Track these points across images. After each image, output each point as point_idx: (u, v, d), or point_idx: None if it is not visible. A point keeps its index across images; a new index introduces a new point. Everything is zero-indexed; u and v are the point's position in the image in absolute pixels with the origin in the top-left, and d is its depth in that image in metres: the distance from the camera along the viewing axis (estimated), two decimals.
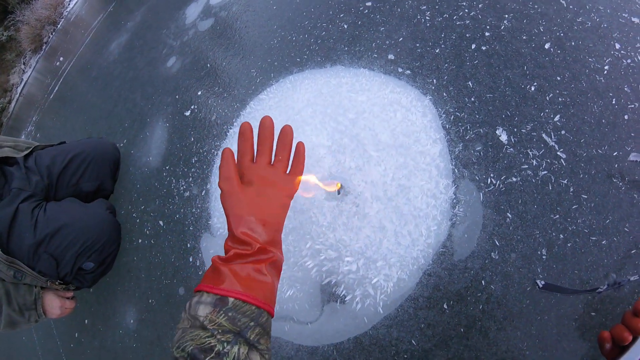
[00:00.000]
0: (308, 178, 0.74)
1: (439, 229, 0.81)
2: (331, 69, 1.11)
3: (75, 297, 1.36)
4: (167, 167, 1.32)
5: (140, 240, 1.31)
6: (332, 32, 1.15)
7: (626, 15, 0.93)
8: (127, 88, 1.77)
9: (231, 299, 0.51)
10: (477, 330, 0.74)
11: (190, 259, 1.13)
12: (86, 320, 1.43)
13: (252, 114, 1.16)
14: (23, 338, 1.72)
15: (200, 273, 1.11)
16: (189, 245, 1.15)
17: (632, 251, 0.73)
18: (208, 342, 0.47)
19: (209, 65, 1.40)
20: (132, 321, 1.27)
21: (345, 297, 0.83)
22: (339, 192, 0.89)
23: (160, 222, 1.26)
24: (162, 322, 1.18)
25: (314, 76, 1.11)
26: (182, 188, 1.24)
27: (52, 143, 1.43)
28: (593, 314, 0.70)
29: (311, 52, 1.16)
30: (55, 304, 1.26)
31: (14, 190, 1.25)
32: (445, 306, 0.77)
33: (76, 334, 1.46)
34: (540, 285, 0.73)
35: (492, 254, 0.77)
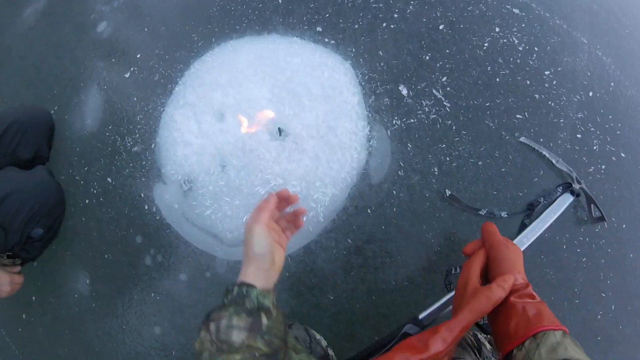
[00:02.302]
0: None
1: (360, 156, 1.08)
2: (268, 36, 1.30)
3: (22, 272, 1.33)
4: (109, 127, 1.37)
5: (87, 201, 1.35)
6: (267, 5, 1.34)
7: (509, 7, 1.27)
8: (51, 55, 1.71)
9: (265, 323, 0.59)
10: (394, 226, 1.03)
11: (146, 207, 1.23)
12: (33, 297, 1.42)
13: (197, 74, 1.29)
14: None
15: (157, 218, 1.21)
16: (142, 195, 1.25)
17: (502, 169, 1.08)
18: None
19: (146, 29, 1.48)
20: (87, 282, 1.30)
21: None
22: (280, 133, 1.11)
23: (109, 179, 1.31)
24: (122, 274, 1.24)
25: (253, 42, 1.29)
26: (129, 144, 1.32)
27: None
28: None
29: (249, 21, 1.34)
30: (4, 280, 1.23)
31: None
32: (369, 211, 1.04)
33: (23, 316, 1.43)
34: (447, 195, 1.04)
35: (399, 172, 1.06)
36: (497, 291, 0.65)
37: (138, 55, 1.44)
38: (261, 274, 0.66)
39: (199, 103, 1.24)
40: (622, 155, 1.18)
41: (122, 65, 1.46)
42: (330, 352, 0.92)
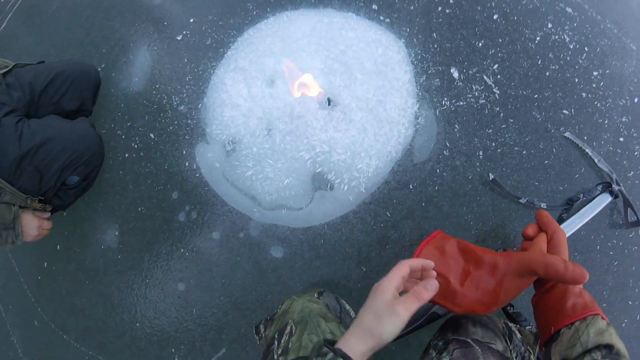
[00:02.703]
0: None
1: (407, 132, 1.09)
2: (324, 10, 1.31)
3: (51, 219, 1.33)
4: (157, 86, 1.40)
5: (126, 155, 1.36)
6: None
7: (562, 5, 1.28)
8: (101, 17, 1.75)
9: None
10: (434, 205, 1.04)
11: (187, 164, 1.25)
12: (58, 246, 1.41)
13: (249, 40, 1.32)
14: None
15: (197, 175, 1.22)
16: (184, 152, 1.26)
17: (545, 161, 1.08)
18: None
19: None
20: (116, 233, 1.30)
21: (334, 182, 1.07)
22: (329, 103, 1.12)
23: (151, 135, 1.33)
24: (153, 228, 1.25)
25: (309, 14, 1.31)
26: (175, 103, 1.34)
27: (30, 63, 1.41)
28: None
29: None
30: (33, 224, 1.24)
31: None
32: (410, 187, 1.05)
33: (45, 264, 1.43)
34: (490, 178, 1.04)
35: (445, 152, 1.07)
36: (557, 260, 0.64)
37: (191, 20, 1.46)
38: (368, 353, 0.56)
39: (250, 68, 1.26)
40: None
41: (174, 29, 1.48)
42: None
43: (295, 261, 1.09)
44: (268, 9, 1.36)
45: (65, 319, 1.37)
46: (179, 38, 1.45)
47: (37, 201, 1.24)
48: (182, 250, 1.21)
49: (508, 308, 0.91)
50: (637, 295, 1.08)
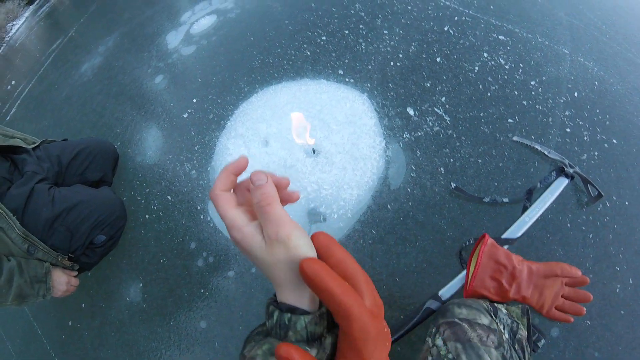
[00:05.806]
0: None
1: (379, 164, 1.32)
2: (301, 80, 1.62)
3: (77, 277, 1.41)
4: (169, 157, 1.64)
5: (147, 216, 1.53)
6: (298, 57, 1.69)
7: (495, 35, 1.55)
8: (112, 102, 2.03)
9: None
10: (411, 218, 1.22)
11: (202, 217, 1.44)
12: (83, 304, 1.48)
13: (244, 111, 1.60)
14: None
15: (211, 225, 1.40)
16: (199, 207, 1.46)
17: (500, 164, 1.24)
18: None
19: (199, 80, 1.82)
20: (140, 285, 1.41)
21: (326, 213, 1.27)
22: (314, 152, 1.37)
23: (169, 197, 1.54)
24: (175, 275, 1.37)
25: (289, 85, 1.61)
26: (187, 169, 1.57)
27: (55, 140, 1.58)
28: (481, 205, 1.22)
29: (285, 70, 1.67)
30: (62, 280, 1.32)
31: (28, 173, 1.35)
32: (389, 207, 1.25)
33: (69, 322, 1.48)
34: (453, 187, 1.22)
35: (412, 174, 1.28)
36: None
37: (194, 100, 1.76)
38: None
39: (248, 133, 1.52)
40: (614, 141, 1.27)
41: (180, 108, 1.78)
42: None
43: None
44: (256, 85, 1.67)
45: None
46: (185, 116, 1.73)
47: (66, 259, 1.34)
48: (202, 290, 1.33)
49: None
50: (621, 260, 1.09)
